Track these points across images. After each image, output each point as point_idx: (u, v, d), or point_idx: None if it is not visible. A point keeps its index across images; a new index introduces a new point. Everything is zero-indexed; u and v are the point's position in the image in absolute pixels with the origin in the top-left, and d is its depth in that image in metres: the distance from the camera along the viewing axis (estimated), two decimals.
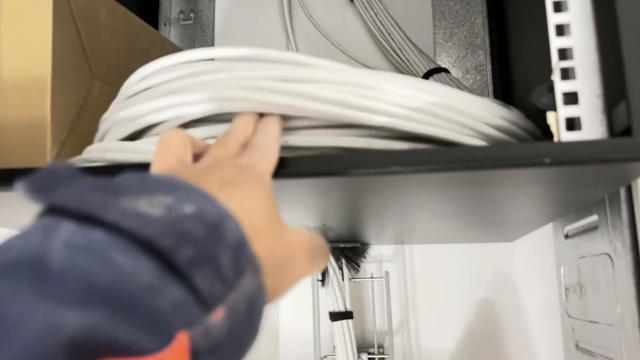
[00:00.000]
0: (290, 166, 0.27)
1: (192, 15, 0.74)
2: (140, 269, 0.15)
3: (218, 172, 0.22)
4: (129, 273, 0.15)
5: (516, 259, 0.61)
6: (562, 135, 0.28)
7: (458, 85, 0.59)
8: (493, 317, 0.62)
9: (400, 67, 0.64)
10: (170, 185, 0.18)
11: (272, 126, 0.27)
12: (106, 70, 0.46)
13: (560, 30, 0.29)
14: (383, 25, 0.65)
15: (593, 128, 0.28)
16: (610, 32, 0.27)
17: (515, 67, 0.60)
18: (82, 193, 0.17)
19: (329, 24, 0.68)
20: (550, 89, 0.29)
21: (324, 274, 0.63)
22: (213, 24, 0.72)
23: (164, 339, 0.15)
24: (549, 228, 0.60)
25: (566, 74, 0.28)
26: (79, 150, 0.35)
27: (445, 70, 0.61)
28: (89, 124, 0.41)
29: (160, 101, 0.30)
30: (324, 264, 0.24)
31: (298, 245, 0.22)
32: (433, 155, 0.25)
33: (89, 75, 0.44)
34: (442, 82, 0.59)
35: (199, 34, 0.73)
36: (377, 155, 0.26)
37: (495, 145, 0.25)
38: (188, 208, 0.17)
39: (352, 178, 0.27)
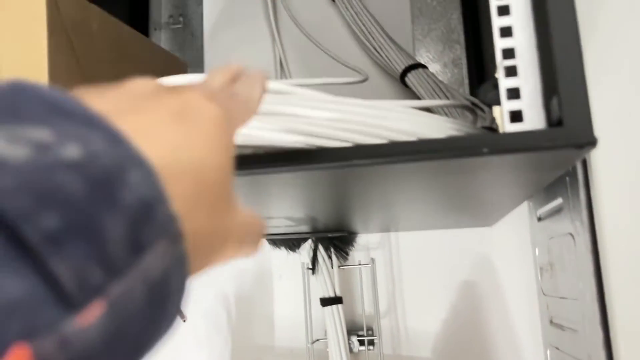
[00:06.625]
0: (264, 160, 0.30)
1: (181, 19, 0.77)
2: None
3: (176, 97, 0.17)
4: None
5: (495, 243, 0.65)
6: (507, 126, 0.31)
7: (434, 80, 0.62)
8: (475, 298, 0.65)
9: (381, 64, 0.67)
10: (58, 110, 0.12)
11: (258, 78, 0.22)
12: (99, 78, 0.49)
13: (504, 31, 0.32)
14: (363, 24, 0.68)
15: (534, 120, 0.31)
16: (545, 33, 0.30)
17: (488, 61, 0.63)
18: None
19: (312, 25, 0.71)
20: (495, 85, 0.32)
21: (314, 262, 0.66)
22: (202, 27, 0.75)
23: None
24: (524, 213, 0.64)
25: (509, 71, 0.32)
26: None
27: (423, 66, 0.64)
28: None
29: None
30: (252, 250, 0.20)
31: (237, 233, 0.18)
32: (387, 149, 0.29)
33: (84, 83, 0.47)
34: (420, 78, 0.63)
35: (189, 37, 0.76)
36: (337, 150, 0.29)
37: (442, 138, 0.28)
38: (71, 150, 0.11)
39: (317, 171, 0.30)
